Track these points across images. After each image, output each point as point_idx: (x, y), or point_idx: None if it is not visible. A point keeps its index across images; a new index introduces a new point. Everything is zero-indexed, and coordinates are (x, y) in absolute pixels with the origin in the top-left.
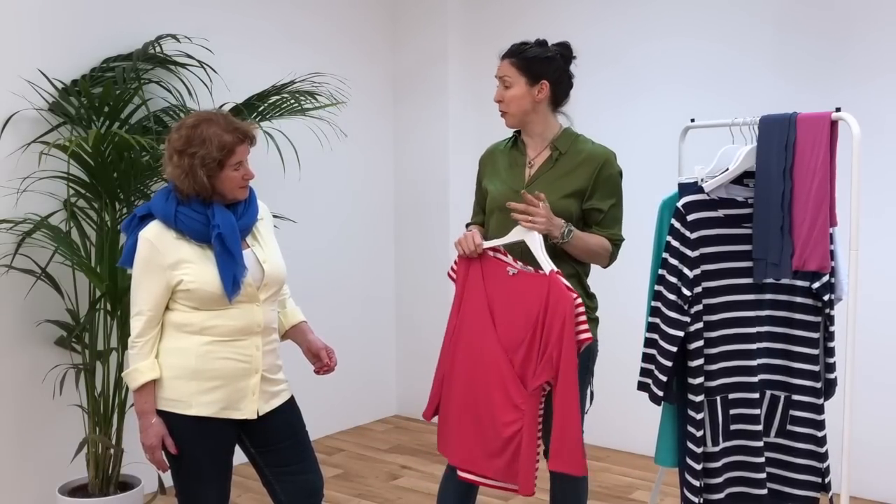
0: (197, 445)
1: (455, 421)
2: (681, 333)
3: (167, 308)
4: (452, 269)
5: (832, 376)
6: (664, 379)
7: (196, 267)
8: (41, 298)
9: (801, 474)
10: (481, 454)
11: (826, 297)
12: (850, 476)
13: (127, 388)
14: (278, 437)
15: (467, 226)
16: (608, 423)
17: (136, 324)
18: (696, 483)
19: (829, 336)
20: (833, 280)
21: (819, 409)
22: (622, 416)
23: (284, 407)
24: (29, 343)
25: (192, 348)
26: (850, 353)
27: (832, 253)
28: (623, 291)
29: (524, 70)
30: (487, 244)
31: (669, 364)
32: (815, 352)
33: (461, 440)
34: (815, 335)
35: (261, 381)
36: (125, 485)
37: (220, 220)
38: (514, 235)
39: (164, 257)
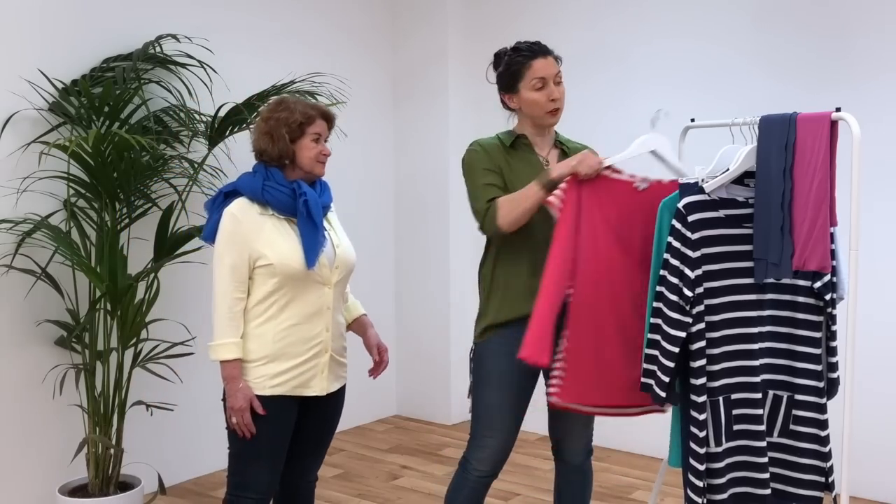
0: (265, 424)
1: (594, 357)
2: (683, 334)
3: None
4: (557, 196)
5: (834, 376)
6: (666, 379)
7: (277, 242)
8: (41, 298)
9: (805, 474)
10: (620, 385)
11: (828, 297)
12: (849, 476)
13: (126, 389)
14: (315, 424)
15: (489, 201)
16: (608, 423)
17: (222, 299)
18: (700, 483)
19: (831, 335)
20: (834, 279)
21: (822, 409)
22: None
23: (339, 394)
24: (29, 343)
25: (269, 334)
26: (850, 352)
27: (833, 252)
28: None
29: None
30: (609, 161)
31: (671, 364)
32: (818, 351)
33: (601, 376)
34: (817, 335)
35: (329, 361)
36: (125, 485)
37: (306, 189)
38: (640, 147)
39: (248, 231)
